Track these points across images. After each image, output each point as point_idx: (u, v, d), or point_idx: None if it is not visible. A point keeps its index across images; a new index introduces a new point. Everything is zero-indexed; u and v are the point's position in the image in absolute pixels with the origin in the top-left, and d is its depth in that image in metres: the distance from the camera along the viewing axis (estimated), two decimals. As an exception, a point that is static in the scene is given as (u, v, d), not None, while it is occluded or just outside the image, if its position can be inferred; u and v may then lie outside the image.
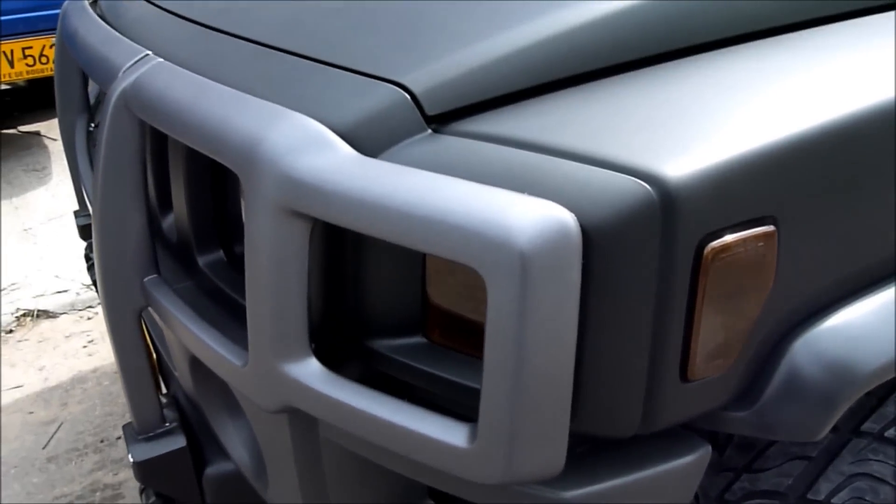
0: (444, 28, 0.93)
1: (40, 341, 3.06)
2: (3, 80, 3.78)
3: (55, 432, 2.55)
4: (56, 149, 4.47)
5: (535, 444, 0.73)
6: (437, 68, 0.86)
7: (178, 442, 1.25)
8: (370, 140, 0.83)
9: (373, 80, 0.87)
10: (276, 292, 0.83)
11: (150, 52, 1.10)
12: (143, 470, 1.24)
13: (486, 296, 0.69)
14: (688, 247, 0.74)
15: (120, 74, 1.09)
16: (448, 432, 0.77)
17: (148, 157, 1.28)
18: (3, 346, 2.97)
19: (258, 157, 0.81)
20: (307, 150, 0.79)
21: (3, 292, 3.32)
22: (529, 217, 0.67)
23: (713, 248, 0.75)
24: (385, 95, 0.84)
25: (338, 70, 0.92)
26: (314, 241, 0.83)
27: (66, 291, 3.33)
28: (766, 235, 0.77)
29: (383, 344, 0.89)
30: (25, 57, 3.72)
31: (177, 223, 1.20)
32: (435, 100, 0.84)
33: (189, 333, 1.03)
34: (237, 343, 0.95)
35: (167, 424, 1.28)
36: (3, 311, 3.17)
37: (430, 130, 0.84)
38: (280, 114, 0.83)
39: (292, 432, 0.95)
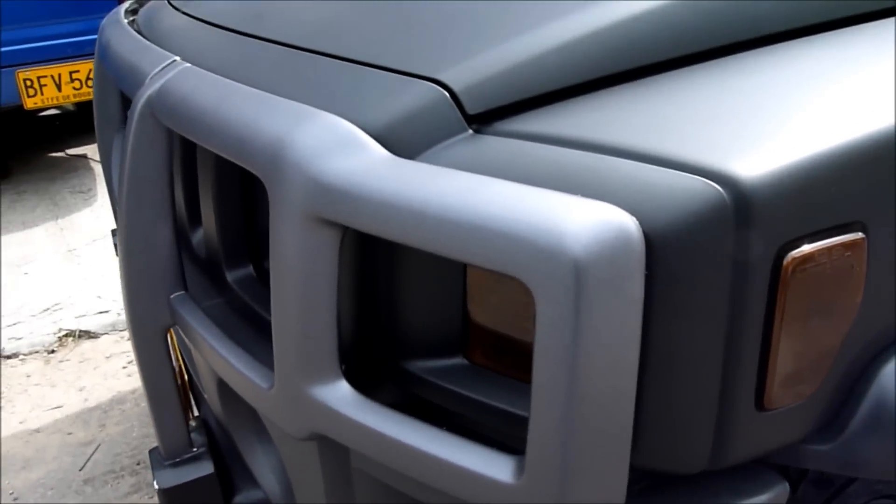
0: (485, 23, 0.86)
1: (81, 361, 3.05)
2: (50, 103, 3.83)
3: (92, 454, 2.52)
4: (102, 171, 4.50)
5: (591, 481, 0.64)
6: (478, 64, 0.78)
7: (206, 468, 1.19)
8: (406, 142, 0.75)
9: (409, 77, 0.80)
10: (304, 307, 0.76)
11: (177, 58, 1.05)
12: (170, 497, 1.17)
13: (535, 312, 0.61)
14: (766, 257, 0.65)
15: (147, 81, 1.04)
16: (492, 465, 0.68)
17: (177, 170, 1.23)
18: (45, 367, 2.96)
19: (284, 161, 0.74)
20: (337, 152, 0.72)
21: (46, 312, 3.33)
22: (584, 221, 0.59)
23: (794, 259, 0.65)
24: (422, 93, 0.77)
25: (371, 69, 0.85)
26: (345, 251, 0.76)
27: (107, 312, 3.33)
28: (854, 244, 0.68)
29: (420, 366, 0.81)
30: (72, 80, 3.77)
31: (206, 238, 1.15)
32: (476, 97, 0.77)
33: (215, 353, 0.97)
34: (265, 364, 0.89)
35: (195, 449, 1.22)
36: (46, 332, 3.17)
37: (471, 131, 0.77)
38: (308, 114, 0.77)
39: (322, 461, 0.88)
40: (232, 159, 0.83)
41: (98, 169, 4.64)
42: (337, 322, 0.77)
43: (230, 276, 1.10)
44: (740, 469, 0.77)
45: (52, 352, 3.11)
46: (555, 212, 0.60)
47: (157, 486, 1.17)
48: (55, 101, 3.80)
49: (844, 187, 0.67)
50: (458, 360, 0.81)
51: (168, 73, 1.02)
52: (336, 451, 0.87)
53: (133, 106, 1.02)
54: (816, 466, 0.78)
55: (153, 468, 1.20)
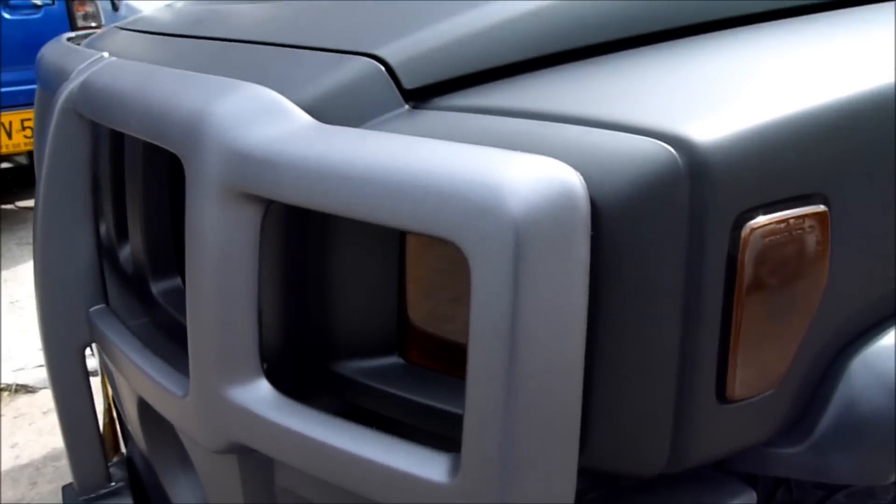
0: (424, 5, 0.82)
1: (16, 417, 2.88)
2: (4, 151, 3.72)
3: (19, 514, 2.35)
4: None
5: (534, 477, 0.56)
6: (416, 39, 0.74)
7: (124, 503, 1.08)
8: (340, 116, 0.70)
9: (344, 54, 0.75)
10: (221, 296, 0.68)
11: (105, 54, 0.99)
12: (82, 538, 1.06)
13: (470, 282, 0.54)
14: (722, 226, 0.60)
15: (70, 76, 0.97)
16: (424, 465, 0.60)
17: (106, 186, 1.15)
18: (-25, 423, 2.79)
19: (201, 133, 0.68)
20: (258, 120, 0.66)
21: (-19, 366, 3.16)
22: (524, 176, 0.53)
23: (752, 229, 0.60)
24: (356, 68, 0.72)
25: (307, 51, 0.80)
26: (268, 234, 0.69)
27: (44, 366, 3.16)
28: (817, 216, 0.63)
29: (352, 367, 0.74)
30: (24, 129, 3.67)
31: (132, 251, 1.06)
32: (413, 71, 0.72)
33: (131, 366, 0.88)
34: (184, 375, 0.80)
35: (113, 484, 1.11)
36: (-20, 386, 3.01)
37: (408, 106, 0.71)
38: (229, 85, 0.71)
39: (243, 479, 0.78)
40: (151, 140, 0.76)
41: (48, 222, 4.48)
42: (258, 315, 0.69)
43: (156, 289, 1.01)
44: (703, 477, 0.70)
45: (-13, 407, 2.93)
46: (491, 167, 0.54)
47: (68, 526, 1.06)
48: (6, 150, 3.70)
49: (805, 156, 0.63)
50: (393, 360, 0.73)
51: (92, 67, 0.96)
52: (258, 467, 0.78)
53: (53, 102, 0.95)
54: (785, 473, 0.71)
55: (64, 502, 1.08)
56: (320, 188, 0.59)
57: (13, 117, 3.68)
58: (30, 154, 4.31)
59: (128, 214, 1.05)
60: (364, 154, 0.59)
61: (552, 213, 0.53)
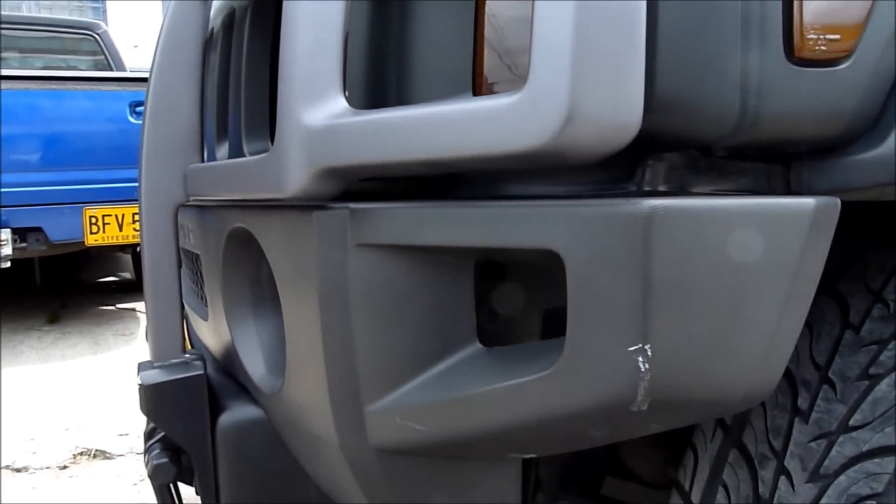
0: None
1: (91, 479, 2.89)
2: (110, 241, 4.01)
3: (83, 557, 2.31)
4: (147, 322, 4.60)
5: (600, 73, 0.57)
6: None
7: (196, 369, 1.08)
8: None
9: None
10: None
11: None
12: (151, 397, 1.06)
13: None
14: None
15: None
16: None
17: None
18: (54, 481, 2.82)
19: None
20: None
21: (66, 431, 3.23)
22: None
23: None
24: None
25: None
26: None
27: (126, 435, 3.21)
28: None
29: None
30: (134, 221, 3.98)
31: (231, 121, 1.14)
32: None
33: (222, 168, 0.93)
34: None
35: (187, 355, 1.12)
36: (62, 449, 3.06)
37: None
38: None
39: (320, 240, 0.79)
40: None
41: (144, 319, 4.72)
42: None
43: (248, 149, 1.08)
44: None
45: (64, 468, 2.97)
46: None
47: (139, 383, 1.07)
48: (115, 241, 3.99)
49: None
50: None
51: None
52: (334, 225, 0.80)
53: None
54: (863, 182, 0.67)
55: (139, 371, 1.09)
56: None
57: (126, 210, 4.00)
58: (134, 258, 4.61)
59: (230, 93, 1.14)
60: None
61: None
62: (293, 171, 0.77)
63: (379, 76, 0.81)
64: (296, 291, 0.86)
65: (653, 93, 0.60)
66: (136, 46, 10.39)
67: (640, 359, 0.61)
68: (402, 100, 0.79)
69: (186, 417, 1.07)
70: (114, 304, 5.09)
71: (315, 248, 0.80)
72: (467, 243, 0.70)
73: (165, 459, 1.10)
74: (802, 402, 0.81)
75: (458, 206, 0.72)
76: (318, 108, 0.75)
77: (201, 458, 1.07)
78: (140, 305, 4.99)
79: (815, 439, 0.79)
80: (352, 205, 0.78)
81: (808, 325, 0.84)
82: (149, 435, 1.16)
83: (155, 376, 1.07)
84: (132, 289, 5.42)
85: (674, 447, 1.32)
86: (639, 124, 0.58)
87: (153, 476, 1.09)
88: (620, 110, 0.58)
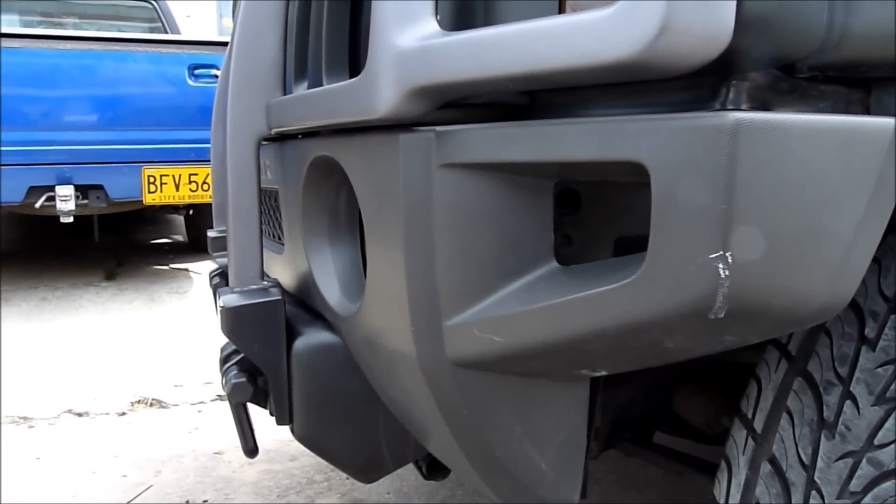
0: None
1: (148, 425, 3.01)
2: (167, 201, 4.13)
3: (143, 491, 2.41)
4: (200, 280, 4.73)
5: None
6: None
7: (274, 295, 1.14)
8: None
9: None
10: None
11: None
12: (232, 320, 1.12)
13: None
14: None
15: None
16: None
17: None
18: (113, 427, 2.95)
19: None
20: None
21: (123, 380, 3.36)
22: None
23: None
24: None
25: None
26: None
27: (181, 386, 3.33)
28: None
29: None
30: (190, 182, 4.09)
31: (311, 60, 1.18)
32: None
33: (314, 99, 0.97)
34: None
35: (265, 282, 1.18)
36: (120, 397, 3.19)
37: None
38: None
39: (405, 161, 0.83)
40: None
41: (197, 278, 4.86)
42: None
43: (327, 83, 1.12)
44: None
45: (123, 414, 3.09)
46: None
47: (220, 306, 1.13)
48: (171, 200, 4.10)
49: None
50: None
51: None
52: (420, 146, 0.84)
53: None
54: None
55: (219, 295, 1.15)
56: None
57: (183, 171, 4.11)
58: (187, 220, 4.72)
59: (310, 35, 1.18)
60: None
61: None
62: (384, 93, 0.81)
63: (467, 2, 0.85)
64: (379, 212, 0.90)
65: (742, 5, 0.62)
66: (188, 16, 10.53)
67: (721, 265, 0.64)
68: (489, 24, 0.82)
69: (264, 340, 1.12)
70: (167, 264, 5.23)
71: (401, 168, 0.84)
72: (552, 158, 0.73)
73: (243, 379, 1.16)
74: (870, 332, 0.83)
75: (543, 123, 0.76)
76: (411, 31, 0.79)
77: (277, 379, 1.13)
78: (193, 266, 5.13)
79: (881, 365, 0.81)
80: (437, 128, 0.81)
81: (877, 259, 0.86)
82: (225, 360, 1.21)
83: (235, 300, 1.12)
84: (185, 250, 5.57)
85: (729, 395, 1.34)
86: (730, 36, 0.61)
87: (231, 395, 1.15)
88: (712, 21, 0.60)
